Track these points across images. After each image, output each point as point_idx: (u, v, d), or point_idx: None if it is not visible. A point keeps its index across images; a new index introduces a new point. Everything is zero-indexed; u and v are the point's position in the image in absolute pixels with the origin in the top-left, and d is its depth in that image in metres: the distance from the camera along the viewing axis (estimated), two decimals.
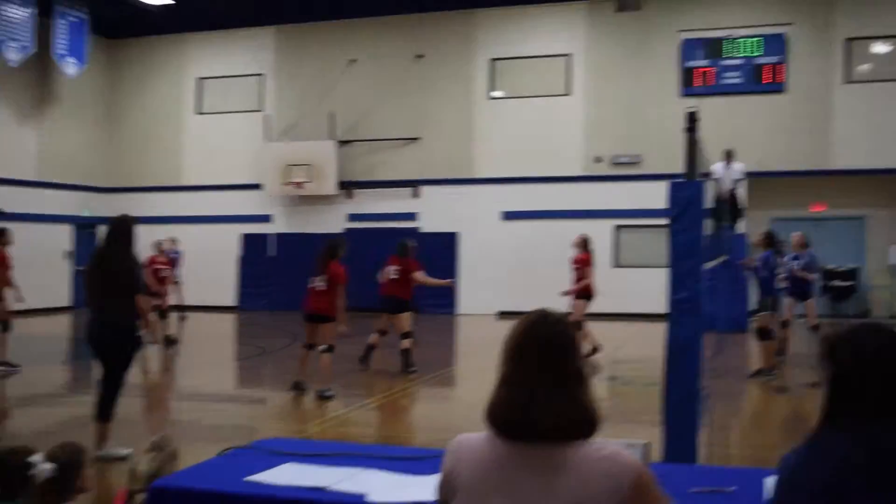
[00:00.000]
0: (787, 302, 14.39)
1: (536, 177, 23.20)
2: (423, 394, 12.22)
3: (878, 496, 2.21)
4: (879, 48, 21.99)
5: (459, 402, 11.64)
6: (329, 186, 24.37)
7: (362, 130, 24.54)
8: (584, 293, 14.52)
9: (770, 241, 13.28)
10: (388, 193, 24.43)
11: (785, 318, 14.36)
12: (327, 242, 11.63)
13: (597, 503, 2.27)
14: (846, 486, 2.24)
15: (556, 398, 2.33)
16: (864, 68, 21.93)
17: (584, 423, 2.36)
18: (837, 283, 21.97)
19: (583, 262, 14.45)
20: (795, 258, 14.42)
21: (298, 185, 24.43)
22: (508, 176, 23.40)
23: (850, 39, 21.73)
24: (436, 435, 9.04)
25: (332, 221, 24.62)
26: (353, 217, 24.65)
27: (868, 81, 21.73)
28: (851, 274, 21.97)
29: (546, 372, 2.34)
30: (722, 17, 22.30)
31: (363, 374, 13.25)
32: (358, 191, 24.70)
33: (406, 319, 13.13)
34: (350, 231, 24.30)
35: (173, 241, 21.64)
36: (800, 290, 14.35)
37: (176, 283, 21.50)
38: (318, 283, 11.15)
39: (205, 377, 13.65)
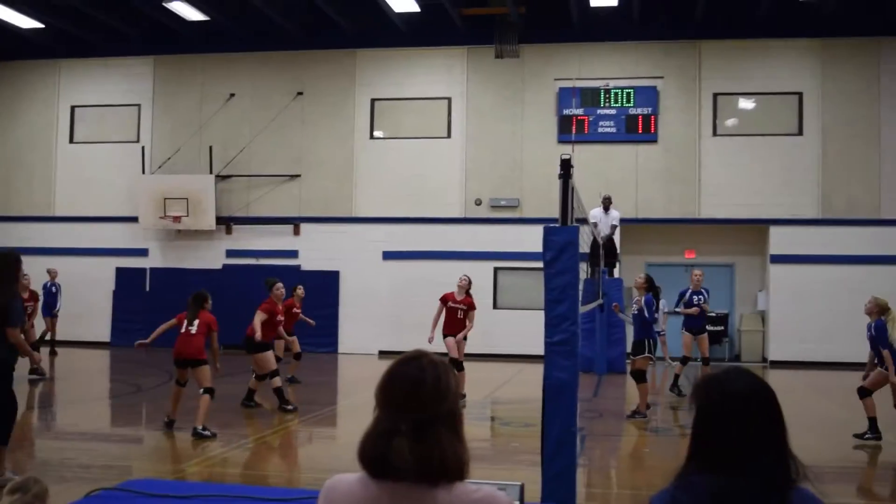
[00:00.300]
0: (686, 338, 15.69)
1: (416, 217, 23.39)
2: (304, 433, 12.12)
3: None
4: (744, 104, 23.10)
5: (339, 442, 11.58)
6: (207, 221, 23.99)
7: (241, 166, 24.30)
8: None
9: (650, 284, 13.68)
10: (268, 230, 24.20)
11: (685, 354, 15.69)
12: (195, 293, 11.88)
13: None
14: None
15: (427, 439, 2.32)
16: (730, 122, 22.99)
17: (455, 464, 2.34)
18: (709, 327, 22.69)
19: (470, 305, 14.49)
20: (697, 294, 15.66)
21: (175, 219, 23.98)
22: (389, 216, 23.52)
23: (718, 94, 22.78)
24: (315, 475, 8.98)
25: (210, 257, 24.23)
26: (232, 253, 24.30)
27: (734, 135, 22.78)
28: (722, 319, 22.79)
29: (416, 413, 2.34)
30: (597, 68, 23.04)
31: (244, 413, 13.07)
32: (237, 226, 24.39)
33: (262, 360, 13.09)
34: (228, 267, 23.98)
35: (52, 273, 21.05)
36: (697, 325, 15.53)
37: (55, 316, 20.90)
38: (191, 328, 11.37)
39: (75, 415, 13.21)
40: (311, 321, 17.61)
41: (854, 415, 12.02)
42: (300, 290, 16.88)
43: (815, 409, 14.49)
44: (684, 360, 15.87)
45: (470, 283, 14.52)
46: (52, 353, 20.76)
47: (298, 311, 16.68)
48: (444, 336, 14.18)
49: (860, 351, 11.86)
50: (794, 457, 2.47)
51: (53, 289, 20.99)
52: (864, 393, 11.58)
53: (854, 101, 22.22)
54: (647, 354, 13.25)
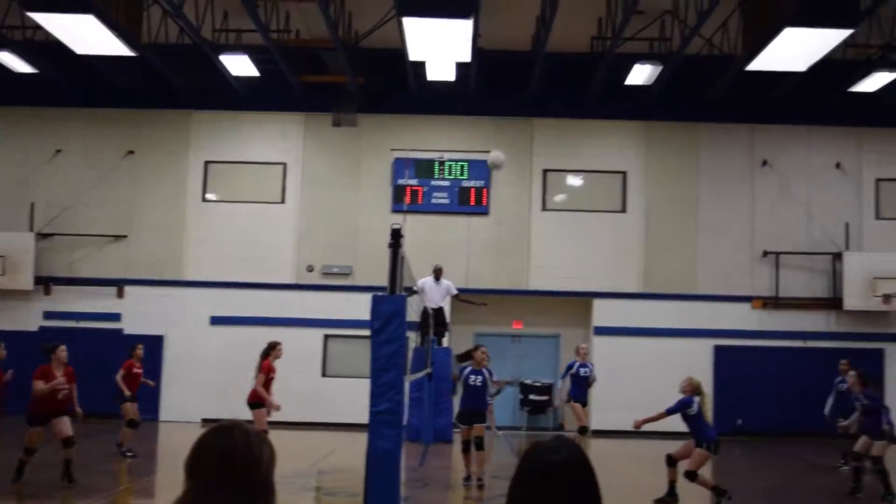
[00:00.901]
0: (577, 409, 16.61)
1: (247, 282, 22.98)
2: None
3: None
4: (572, 181, 24.00)
5: None
6: (24, 281, 22.83)
7: (65, 224, 23.31)
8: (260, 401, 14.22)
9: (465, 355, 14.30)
10: (90, 291, 23.22)
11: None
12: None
13: None
14: None
15: None
16: (559, 198, 23.80)
17: None
18: (534, 397, 23.18)
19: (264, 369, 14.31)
20: (584, 366, 16.62)
21: None
22: (219, 280, 23.00)
23: (547, 170, 23.58)
24: None
25: (26, 319, 22.97)
26: (50, 315, 23.14)
27: (562, 210, 23.58)
28: (547, 389, 23.23)
29: (226, 485, 2.28)
30: (433, 140, 23.47)
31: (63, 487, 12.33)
32: (57, 287, 23.31)
33: (57, 425, 12.22)
34: (46, 330, 22.77)
35: None
36: (584, 396, 16.71)
37: None
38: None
39: None
40: (150, 382, 17.11)
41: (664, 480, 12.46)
42: (140, 350, 16.27)
43: (631, 478, 14.90)
44: (583, 431, 16.50)
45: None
46: None
47: (140, 371, 16.07)
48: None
49: (676, 420, 12.35)
50: None
51: None
52: (670, 461, 12.22)
53: (674, 181, 23.45)
54: (480, 425, 13.59)
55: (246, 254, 23.07)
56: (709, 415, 12.24)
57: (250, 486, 2.32)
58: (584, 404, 16.75)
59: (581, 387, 16.66)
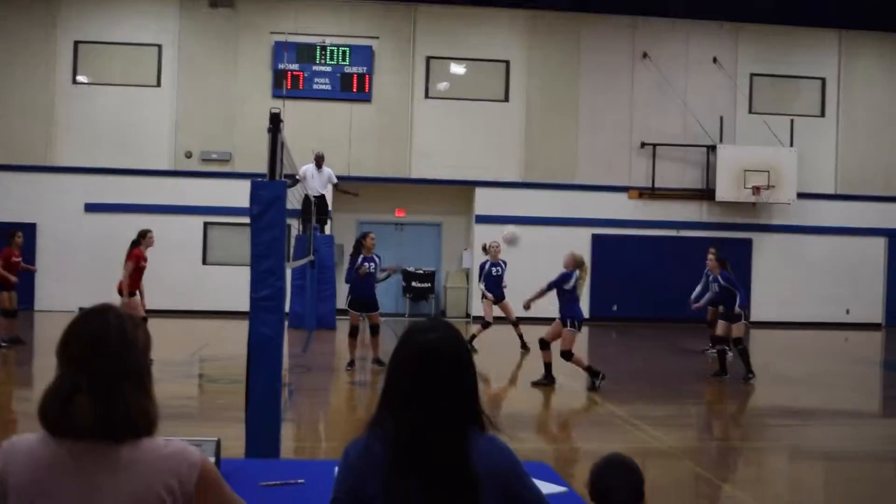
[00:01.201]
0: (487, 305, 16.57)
1: (123, 168, 22.30)
2: None
3: (419, 468, 2.47)
4: (455, 69, 23.86)
5: (31, 403, 10.93)
6: None
7: None
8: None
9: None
10: None
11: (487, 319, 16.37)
12: None
13: (160, 502, 2.23)
14: (398, 462, 2.49)
15: (110, 396, 2.25)
16: (442, 86, 23.68)
17: (142, 421, 2.29)
18: (416, 284, 23.48)
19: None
20: (496, 265, 16.63)
21: None
22: (93, 166, 22.26)
23: (431, 58, 23.37)
24: None
25: None
26: None
27: (445, 98, 23.50)
28: (429, 276, 23.57)
29: (96, 368, 2.26)
30: (314, 24, 22.93)
31: None
32: None
33: None
34: None
35: None
36: (497, 293, 16.51)
37: None
38: None
39: None
40: (32, 268, 16.56)
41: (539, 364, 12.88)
42: (19, 238, 15.68)
43: (509, 361, 15.35)
44: (486, 325, 16.39)
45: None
46: None
47: (19, 259, 15.54)
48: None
49: (552, 306, 12.72)
50: (480, 406, 2.60)
51: None
52: (543, 344, 12.59)
53: (556, 71, 23.58)
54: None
55: (121, 139, 22.33)
56: (581, 291, 12.55)
57: (124, 370, 2.30)
58: (501, 300, 16.55)
59: (498, 286, 16.58)
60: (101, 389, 2.25)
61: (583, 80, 23.61)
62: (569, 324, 12.33)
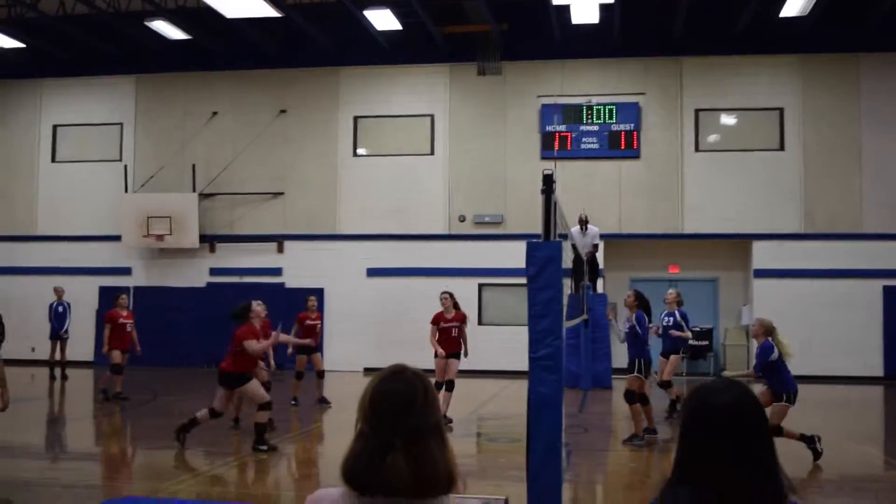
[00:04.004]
0: (663, 360, 14.68)
1: (400, 234, 23.40)
2: (289, 450, 12.05)
3: None
4: (725, 120, 23.24)
5: (325, 459, 11.53)
6: (190, 239, 23.93)
7: (224, 184, 24.25)
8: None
9: (641, 300, 12.88)
10: (251, 248, 24.17)
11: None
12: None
13: None
14: None
15: (411, 453, 2.31)
16: (712, 138, 23.11)
17: (439, 478, 2.33)
18: (693, 342, 22.78)
19: (462, 320, 14.34)
20: (669, 315, 14.77)
21: (159, 237, 23.89)
22: (373, 233, 23.52)
23: (699, 110, 22.90)
24: (301, 493, 8.93)
25: (194, 275, 24.17)
26: (216, 271, 24.24)
27: (716, 150, 22.90)
28: (707, 334, 22.82)
29: (400, 427, 2.33)
30: (579, 85, 23.15)
31: (231, 432, 12.94)
32: (220, 244, 24.33)
33: (251, 392, 11.53)
34: (212, 285, 23.89)
35: (59, 292, 20.86)
36: (665, 347, 14.71)
37: (64, 339, 20.51)
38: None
39: (61, 433, 13.10)
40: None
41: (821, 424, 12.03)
42: (312, 301, 16.43)
43: (796, 420, 14.47)
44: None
45: (452, 298, 14.40)
46: (63, 378, 20.30)
47: (316, 322, 16.36)
48: (446, 356, 14.03)
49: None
50: (781, 469, 2.46)
51: (60, 308, 20.75)
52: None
53: (835, 116, 22.40)
54: (635, 374, 12.46)
55: (397, 206, 23.46)
56: (789, 356, 10.85)
57: (423, 427, 2.37)
58: (668, 354, 14.66)
59: (667, 337, 14.66)
60: (413, 447, 2.32)
61: (865, 121, 22.25)
62: (784, 398, 10.81)
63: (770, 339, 10.85)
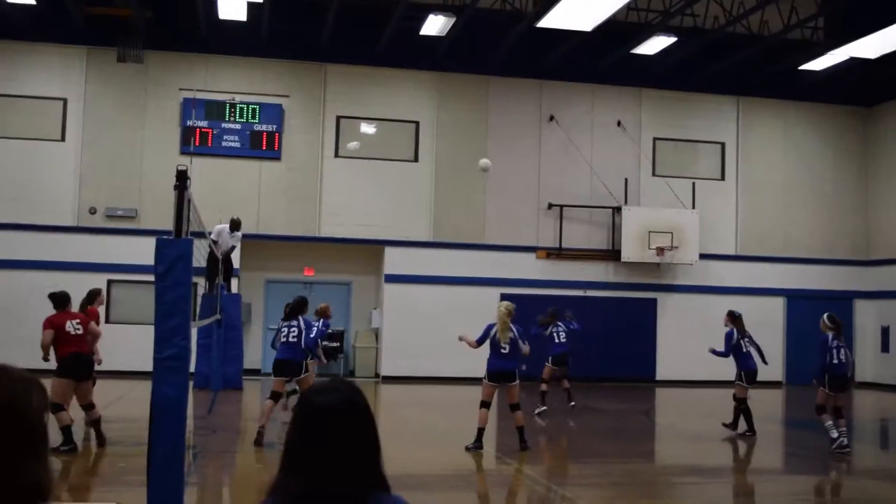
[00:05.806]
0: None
1: (22, 224, 21.69)
2: None
3: None
4: (365, 128, 23.99)
5: None
6: None
7: None
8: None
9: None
10: None
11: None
12: None
13: None
14: None
15: (4, 463, 2.12)
16: (352, 145, 23.75)
17: (33, 487, 2.15)
18: (325, 343, 23.20)
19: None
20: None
21: None
22: None
23: (341, 117, 23.47)
24: None
25: None
26: None
27: (355, 158, 23.56)
28: (339, 336, 23.35)
29: None
30: (224, 81, 22.85)
31: None
32: None
33: None
34: None
35: None
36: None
37: None
38: None
39: None
40: None
41: (455, 426, 12.82)
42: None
43: (421, 422, 15.27)
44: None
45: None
46: None
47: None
48: None
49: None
50: (382, 467, 2.57)
51: None
52: (484, 404, 12.21)
53: (465, 132, 23.90)
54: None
55: (20, 194, 21.76)
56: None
57: (17, 433, 2.22)
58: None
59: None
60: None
61: (491, 140, 23.94)
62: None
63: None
